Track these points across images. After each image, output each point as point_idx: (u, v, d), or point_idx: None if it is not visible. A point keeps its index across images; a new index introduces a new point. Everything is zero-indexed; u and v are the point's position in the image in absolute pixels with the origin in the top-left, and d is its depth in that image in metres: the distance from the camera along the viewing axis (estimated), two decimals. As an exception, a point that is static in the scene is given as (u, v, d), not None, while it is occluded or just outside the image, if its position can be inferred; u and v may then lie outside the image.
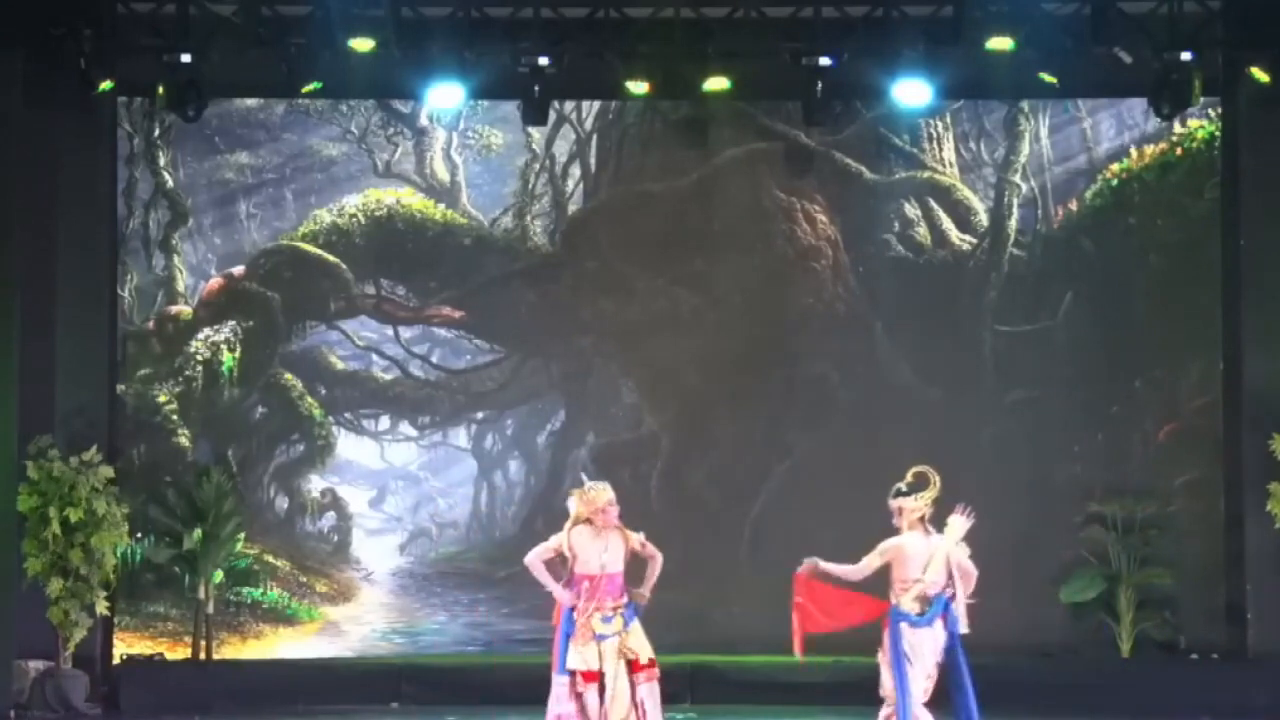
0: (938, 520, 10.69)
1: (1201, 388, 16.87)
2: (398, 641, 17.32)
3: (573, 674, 10.98)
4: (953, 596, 10.53)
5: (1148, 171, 17.36)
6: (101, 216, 16.47)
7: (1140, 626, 16.34)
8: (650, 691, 11.07)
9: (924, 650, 10.50)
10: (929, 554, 10.50)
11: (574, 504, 11.12)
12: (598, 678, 10.97)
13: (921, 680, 10.54)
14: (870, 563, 10.61)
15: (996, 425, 17.14)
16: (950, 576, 10.53)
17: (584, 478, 11.32)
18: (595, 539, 11.03)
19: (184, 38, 14.60)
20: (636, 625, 11.11)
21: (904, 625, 10.47)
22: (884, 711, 10.68)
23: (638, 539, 11.13)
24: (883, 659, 10.63)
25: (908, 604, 10.51)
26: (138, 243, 17.39)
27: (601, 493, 11.07)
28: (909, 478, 10.66)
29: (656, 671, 11.14)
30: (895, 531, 10.66)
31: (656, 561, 11.17)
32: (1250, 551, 15.76)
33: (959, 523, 10.55)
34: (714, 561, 16.80)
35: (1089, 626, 16.47)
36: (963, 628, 10.67)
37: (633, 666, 11.02)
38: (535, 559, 11.12)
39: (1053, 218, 17.40)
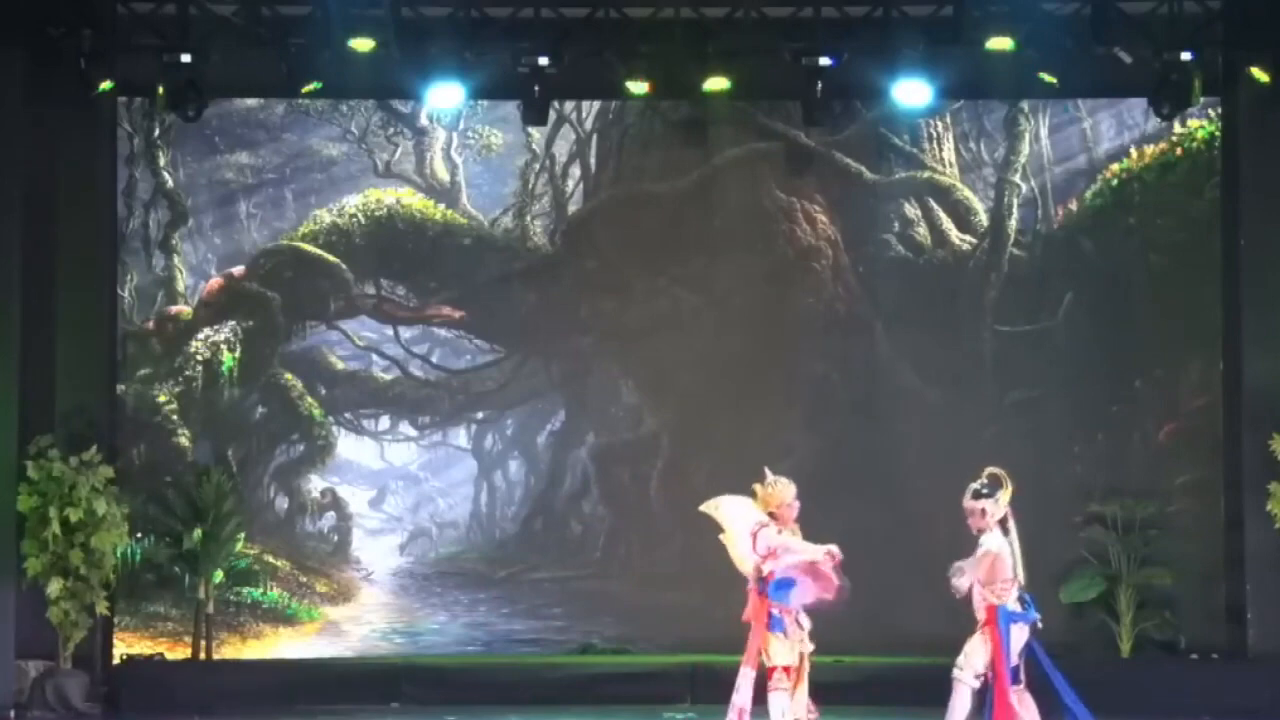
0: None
1: (1201, 388, 16.87)
2: (398, 641, 17.31)
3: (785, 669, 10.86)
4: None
5: (1148, 171, 17.36)
6: (101, 216, 16.48)
7: (1140, 626, 16.33)
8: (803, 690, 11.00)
9: (1017, 645, 10.54)
10: (1014, 554, 10.52)
11: (761, 493, 10.91)
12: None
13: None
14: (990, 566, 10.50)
15: (996, 425, 17.13)
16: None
17: (767, 472, 11.08)
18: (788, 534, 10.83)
19: (184, 38, 14.63)
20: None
21: (1015, 625, 10.49)
22: (965, 677, 10.57)
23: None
24: (984, 646, 10.50)
25: (1014, 604, 10.52)
26: (138, 243, 17.38)
27: (787, 487, 10.99)
28: (984, 478, 10.58)
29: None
30: (969, 535, 10.58)
31: None
32: (1250, 551, 15.75)
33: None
34: (714, 561, 16.67)
35: (1089, 626, 16.45)
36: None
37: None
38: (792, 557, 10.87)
39: (1053, 218, 17.40)
